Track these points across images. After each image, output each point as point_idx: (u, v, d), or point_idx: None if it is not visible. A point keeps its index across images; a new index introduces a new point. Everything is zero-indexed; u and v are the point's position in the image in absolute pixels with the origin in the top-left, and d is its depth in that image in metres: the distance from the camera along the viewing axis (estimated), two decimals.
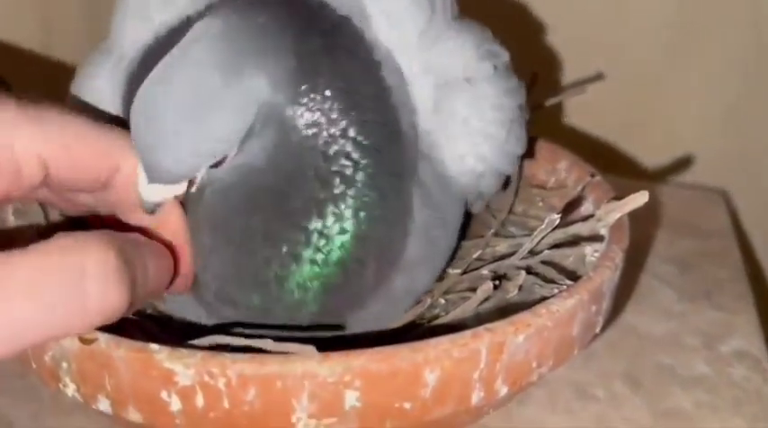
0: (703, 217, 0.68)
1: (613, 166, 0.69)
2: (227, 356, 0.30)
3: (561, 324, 0.34)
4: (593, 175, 0.47)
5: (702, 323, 0.53)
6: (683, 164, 0.74)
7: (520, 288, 0.41)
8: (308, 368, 0.30)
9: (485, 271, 0.42)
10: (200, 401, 0.30)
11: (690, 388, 0.47)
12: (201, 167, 0.32)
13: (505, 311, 0.42)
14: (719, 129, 0.73)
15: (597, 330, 0.38)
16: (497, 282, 0.41)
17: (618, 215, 0.39)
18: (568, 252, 0.41)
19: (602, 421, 0.44)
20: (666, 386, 0.47)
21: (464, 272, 0.44)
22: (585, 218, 0.41)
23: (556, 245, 0.42)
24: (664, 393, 0.47)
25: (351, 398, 0.30)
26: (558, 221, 0.37)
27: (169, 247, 0.34)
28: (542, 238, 0.39)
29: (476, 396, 0.32)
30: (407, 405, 0.31)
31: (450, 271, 0.45)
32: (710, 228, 0.66)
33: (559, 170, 0.51)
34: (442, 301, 0.44)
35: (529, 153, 0.48)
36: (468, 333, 0.32)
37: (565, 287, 0.38)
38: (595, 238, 0.43)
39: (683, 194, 0.72)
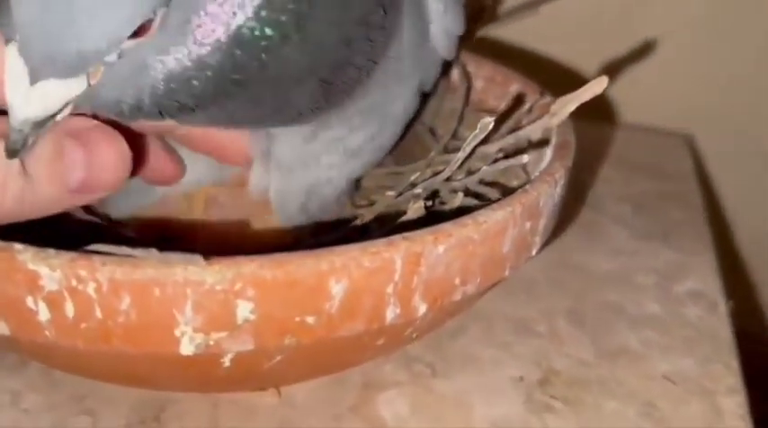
0: (665, 160, 0.65)
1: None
2: (98, 258, 0.26)
3: (489, 237, 0.30)
4: (542, 94, 0.43)
5: (657, 262, 0.50)
6: (647, 106, 0.71)
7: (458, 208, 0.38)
8: (190, 273, 0.25)
9: (419, 191, 0.38)
10: (69, 309, 0.26)
11: (639, 327, 0.44)
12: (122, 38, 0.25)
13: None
14: (684, 72, 0.70)
15: (533, 252, 0.34)
16: (429, 203, 0.37)
17: (574, 105, 0.35)
18: (511, 171, 0.37)
19: (540, 356, 0.41)
20: (613, 324, 0.44)
21: (399, 195, 0.40)
22: (536, 119, 0.37)
23: (503, 157, 0.38)
24: (610, 331, 0.43)
25: (243, 310, 0.26)
26: (491, 125, 0.33)
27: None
28: (477, 145, 0.35)
29: (390, 313, 0.29)
30: (310, 320, 0.27)
31: (385, 194, 0.41)
32: (672, 171, 0.63)
33: (510, 94, 0.47)
34: (373, 225, 0.40)
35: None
36: (381, 241, 0.28)
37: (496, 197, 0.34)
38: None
39: (646, 137, 0.69)
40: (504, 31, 0.60)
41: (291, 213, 0.39)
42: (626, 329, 0.44)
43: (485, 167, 0.36)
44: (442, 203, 0.39)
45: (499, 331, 0.42)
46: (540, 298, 0.45)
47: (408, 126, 0.43)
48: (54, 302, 0.26)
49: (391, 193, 0.40)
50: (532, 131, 0.35)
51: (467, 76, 0.49)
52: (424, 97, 0.43)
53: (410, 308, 0.29)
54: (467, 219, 0.29)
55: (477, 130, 0.33)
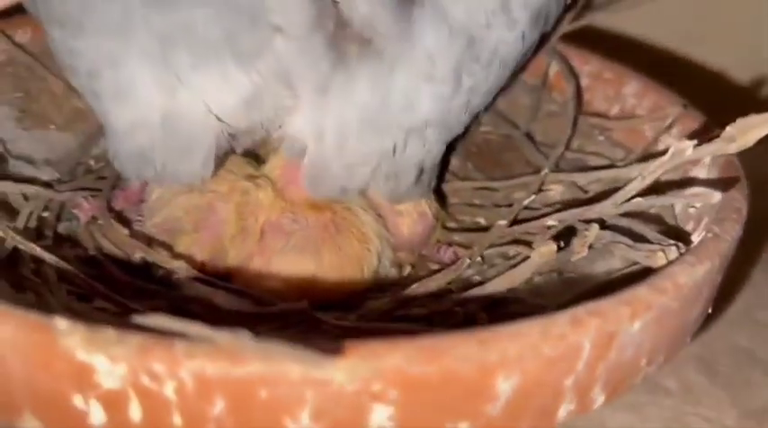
0: None
1: None
2: (180, 346, 0.18)
3: (687, 304, 0.22)
4: (684, 106, 0.35)
5: None
6: None
7: (590, 247, 0.30)
8: (312, 369, 0.18)
9: (550, 222, 0.30)
10: (135, 413, 0.19)
11: None
12: None
13: (570, 282, 0.30)
14: None
15: (710, 309, 0.27)
16: (560, 242, 0.29)
17: (766, 130, 0.26)
18: (659, 201, 0.29)
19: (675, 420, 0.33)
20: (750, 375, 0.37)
21: (512, 224, 0.33)
22: (704, 140, 0.29)
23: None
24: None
25: (379, 416, 0.19)
26: (690, 150, 0.24)
27: None
28: (639, 187, 0.27)
29: (563, 410, 0.21)
30: (464, 426, 0.20)
31: (497, 223, 0.32)
32: None
33: (625, 96, 0.39)
34: (479, 261, 0.32)
35: None
36: (563, 317, 0.20)
37: (674, 248, 0.26)
38: (685, 183, 0.32)
39: None
40: (613, 21, 0.51)
41: (351, 185, 0.28)
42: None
43: (638, 199, 0.28)
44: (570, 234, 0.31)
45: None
46: None
47: (516, 74, 0.34)
48: (113, 403, 0.18)
49: (501, 223, 0.32)
50: (701, 154, 0.27)
51: (572, 72, 0.40)
52: (542, 39, 0.33)
53: (586, 402, 0.21)
54: (664, 282, 0.22)
55: (668, 157, 0.25)
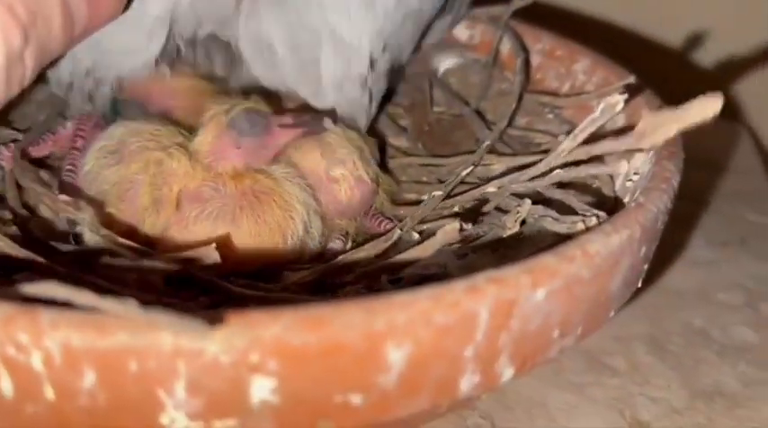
0: (726, 153, 0.56)
1: None
2: (46, 315, 0.17)
3: (601, 273, 0.21)
4: (633, 81, 0.33)
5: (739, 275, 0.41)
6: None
7: (523, 222, 0.29)
8: (184, 339, 0.17)
9: (489, 189, 0.29)
10: (7, 388, 0.18)
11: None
12: None
13: (503, 257, 0.29)
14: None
15: (639, 283, 0.26)
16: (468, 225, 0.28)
17: (675, 129, 0.25)
18: (590, 171, 0.28)
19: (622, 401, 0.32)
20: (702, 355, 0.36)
21: (448, 196, 0.32)
22: (619, 132, 0.28)
23: (571, 163, 0.29)
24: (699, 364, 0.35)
25: (261, 389, 0.18)
26: (619, 106, 0.23)
27: None
28: (571, 147, 0.26)
29: (466, 383, 0.20)
30: (357, 400, 0.19)
31: (431, 194, 0.32)
32: (738, 167, 0.54)
33: (576, 72, 0.38)
34: (416, 235, 0.31)
35: None
36: (458, 285, 0.19)
37: (594, 218, 0.25)
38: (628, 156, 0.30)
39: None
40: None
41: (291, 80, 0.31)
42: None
43: (559, 171, 0.27)
44: (501, 210, 0.30)
45: (567, 368, 0.34)
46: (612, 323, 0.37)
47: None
48: None
49: (438, 193, 0.31)
50: (613, 146, 0.26)
51: (524, 49, 0.39)
52: None
53: (492, 375, 0.20)
54: (572, 249, 0.21)
55: (597, 114, 0.24)
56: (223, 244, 0.25)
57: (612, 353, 0.35)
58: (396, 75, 0.38)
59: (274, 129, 0.29)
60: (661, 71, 0.39)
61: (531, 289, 0.19)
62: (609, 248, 0.21)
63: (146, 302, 0.16)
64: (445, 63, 0.42)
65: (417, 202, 0.34)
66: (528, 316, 0.20)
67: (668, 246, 0.43)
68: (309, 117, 0.30)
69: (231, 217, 0.26)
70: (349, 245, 0.31)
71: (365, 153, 0.33)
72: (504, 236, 0.28)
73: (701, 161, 0.53)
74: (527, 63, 0.38)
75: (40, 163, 0.32)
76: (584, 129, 0.25)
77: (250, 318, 0.17)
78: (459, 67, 0.42)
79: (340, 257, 0.28)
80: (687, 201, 0.47)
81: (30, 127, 0.34)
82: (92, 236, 0.24)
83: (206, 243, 0.25)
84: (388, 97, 0.38)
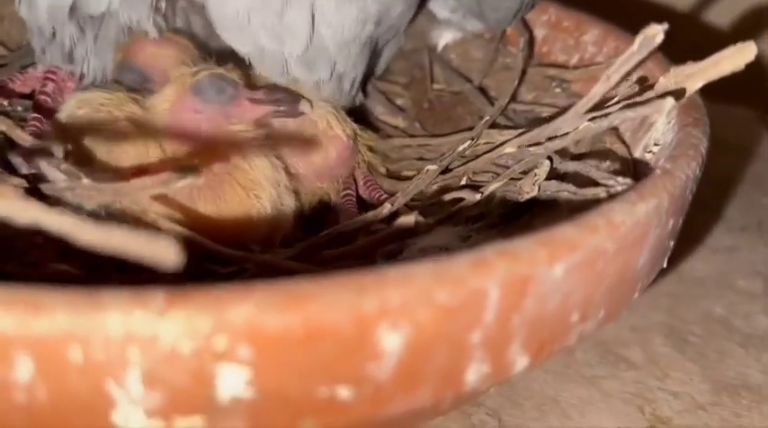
0: (740, 137, 0.53)
1: None
2: None
3: (626, 247, 0.18)
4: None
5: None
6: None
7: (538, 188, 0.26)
8: (136, 321, 0.14)
9: (508, 149, 0.26)
10: None
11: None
12: None
13: (509, 234, 0.26)
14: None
15: (665, 263, 0.23)
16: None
17: (701, 81, 0.23)
18: (627, 114, 0.25)
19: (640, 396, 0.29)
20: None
21: (445, 171, 0.29)
22: (644, 89, 0.25)
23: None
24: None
25: (231, 381, 0.15)
26: (659, 37, 0.20)
27: None
28: (605, 89, 0.23)
29: (473, 374, 0.17)
30: (345, 394, 0.16)
31: (425, 168, 0.29)
32: (753, 151, 0.51)
33: (585, 44, 0.35)
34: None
35: None
36: (464, 258, 0.16)
37: (620, 187, 0.22)
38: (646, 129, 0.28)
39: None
40: None
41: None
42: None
43: (589, 124, 0.24)
44: (515, 180, 0.27)
45: (582, 361, 0.31)
46: (628, 311, 0.34)
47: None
48: None
49: (433, 168, 0.29)
50: (639, 113, 0.23)
51: (524, 23, 0.36)
52: None
53: (503, 364, 0.17)
54: (595, 219, 0.18)
55: (636, 47, 0.21)
56: (180, 228, 0.22)
57: (628, 344, 0.32)
58: (386, 51, 0.35)
59: (242, 101, 0.27)
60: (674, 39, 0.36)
61: (548, 264, 0.16)
62: (635, 218, 0.18)
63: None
64: (445, 38, 0.39)
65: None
66: (544, 295, 0.17)
67: (684, 231, 0.40)
68: (284, 96, 0.27)
69: (188, 197, 0.24)
70: None
71: (340, 112, 0.30)
72: (522, 200, 0.26)
73: (715, 144, 0.50)
74: (531, 39, 0.36)
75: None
76: (621, 66, 0.22)
77: (216, 295, 0.14)
78: (459, 42, 0.39)
79: (322, 233, 0.25)
80: (703, 186, 0.45)
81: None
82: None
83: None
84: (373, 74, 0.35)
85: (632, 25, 0.36)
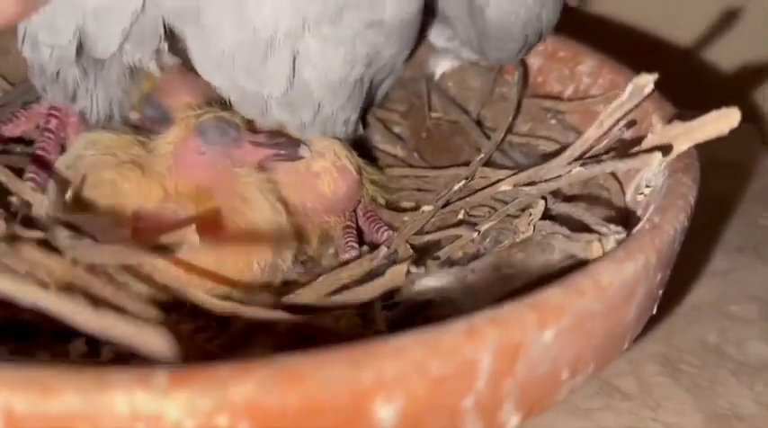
0: (739, 152, 0.53)
1: None
2: None
3: (615, 306, 0.19)
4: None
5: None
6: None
7: (529, 239, 0.27)
8: (139, 400, 0.15)
9: (502, 187, 0.27)
10: None
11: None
12: None
13: (506, 278, 0.27)
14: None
15: (653, 310, 0.23)
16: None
17: (687, 143, 0.23)
18: (616, 166, 0.26)
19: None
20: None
21: (444, 205, 0.29)
22: (633, 144, 0.26)
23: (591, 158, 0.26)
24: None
25: None
26: (648, 87, 0.21)
27: None
28: (597, 135, 0.23)
29: None
30: None
31: (421, 209, 0.30)
32: (751, 168, 0.52)
33: (580, 75, 0.36)
34: (410, 250, 0.29)
35: None
36: (456, 327, 0.17)
37: (612, 236, 0.23)
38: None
39: None
40: None
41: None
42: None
43: (580, 168, 0.24)
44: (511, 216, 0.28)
45: (577, 393, 0.31)
46: None
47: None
48: None
49: (429, 208, 0.29)
50: (631, 164, 0.24)
51: (521, 61, 0.37)
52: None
53: (496, 424, 0.18)
54: (582, 281, 0.18)
55: (625, 97, 0.21)
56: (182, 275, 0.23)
57: (623, 374, 0.32)
58: (384, 84, 0.36)
59: (244, 144, 0.27)
60: (671, 72, 0.36)
61: (538, 330, 0.17)
62: (623, 278, 0.19)
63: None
64: (442, 66, 0.40)
65: (417, 210, 0.33)
66: (535, 359, 0.17)
67: (680, 255, 0.41)
68: (285, 140, 0.28)
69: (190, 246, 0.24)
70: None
71: (345, 145, 0.31)
72: (518, 240, 0.26)
73: (712, 163, 0.50)
74: (526, 72, 0.36)
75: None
76: (611, 114, 0.23)
77: (217, 374, 0.15)
78: (457, 70, 0.39)
79: (321, 278, 0.25)
80: (698, 206, 0.45)
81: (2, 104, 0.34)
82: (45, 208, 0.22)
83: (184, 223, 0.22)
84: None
85: (629, 53, 0.36)
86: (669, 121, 0.24)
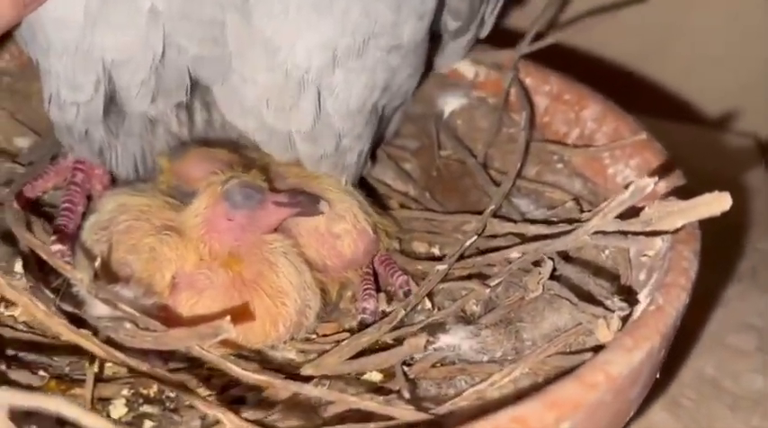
0: (732, 166, 0.54)
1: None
2: None
3: (623, 391, 0.21)
4: (644, 136, 0.32)
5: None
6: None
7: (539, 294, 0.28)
8: None
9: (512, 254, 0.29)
10: None
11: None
12: None
13: (517, 337, 0.29)
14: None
15: (657, 374, 0.25)
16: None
17: (681, 221, 0.24)
18: (619, 243, 0.27)
19: None
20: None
21: (468, 256, 0.31)
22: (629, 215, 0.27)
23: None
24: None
25: None
26: (648, 189, 0.23)
27: None
28: (600, 226, 0.25)
29: None
30: None
31: (435, 268, 0.31)
32: (744, 183, 0.53)
33: (585, 120, 0.37)
34: (428, 305, 0.31)
35: None
36: (481, 425, 0.18)
37: (617, 313, 0.24)
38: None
39: (702, 137, 0.57)
40: (575, 39, 0.49)
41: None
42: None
43: (587, 238, 0.26)
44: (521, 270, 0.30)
45: None
46: None
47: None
48: None
49: (442, 268, 0.31)
50: (631, 244, 0.26)
51: (526, 95, 0.38)
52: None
53: None
54: (595, 375, 0.20)
55: (627, 196, 0.23)
56: None
57: None
58: (395, 117, 0.37)
59: (268, 205, 0.29)
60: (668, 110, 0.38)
61: (555, 425, 0.19)
62: (631, 367, 0.21)
63: None
64: (451, 104, 0.41)
65: (428, 255, 0.34)
66: None
67: None
68: (305, 198, 0.30)
69: (222, 307, 0.27)
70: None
71: (362, 202, 0.33)
72: (527, 298, 0.28)
73: (709, 181, 0.52)
74: (533, 115, 0.37)
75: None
76: (614, 209, 0.24)
77: None
78: (465, 108, 0.41)
79: (343, 343, 0.27)
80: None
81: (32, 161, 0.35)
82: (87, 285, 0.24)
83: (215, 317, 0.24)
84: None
85: (630, 93, 0.38)
86: (667, 196, 0.26)
